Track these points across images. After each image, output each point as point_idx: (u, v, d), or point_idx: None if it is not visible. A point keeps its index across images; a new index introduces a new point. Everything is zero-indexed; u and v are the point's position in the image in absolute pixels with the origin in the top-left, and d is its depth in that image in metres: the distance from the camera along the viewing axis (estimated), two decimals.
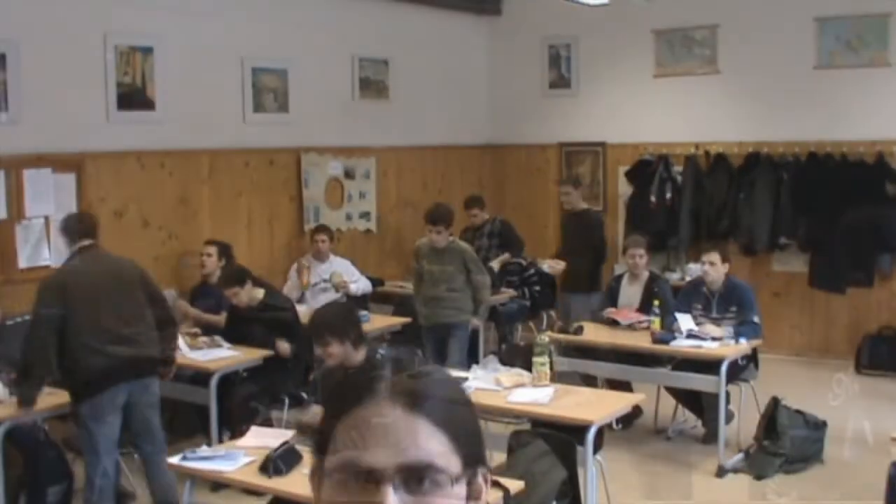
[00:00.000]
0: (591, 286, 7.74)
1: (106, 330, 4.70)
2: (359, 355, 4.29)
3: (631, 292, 6.86)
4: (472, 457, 1.10)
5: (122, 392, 4.77)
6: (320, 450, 1.10)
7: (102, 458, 4.70)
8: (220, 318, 6.44)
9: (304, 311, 7.15)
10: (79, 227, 4.96)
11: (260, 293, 6.15)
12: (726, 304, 6.40)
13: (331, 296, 7.51)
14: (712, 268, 6.37)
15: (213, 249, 6.80)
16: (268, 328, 6.07)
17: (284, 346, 6.00)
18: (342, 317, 4.42)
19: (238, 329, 6.14)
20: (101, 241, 6.53)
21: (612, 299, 6.94)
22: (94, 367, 4.66)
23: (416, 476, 1.04)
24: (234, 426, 5.49)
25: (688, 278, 7.92)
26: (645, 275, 6.85)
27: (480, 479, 1.12)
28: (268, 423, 4.51)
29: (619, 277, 7.05)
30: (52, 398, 5.10)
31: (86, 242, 4.89)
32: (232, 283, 6.01)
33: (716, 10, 8.93)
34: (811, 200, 8.34)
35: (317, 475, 1.11)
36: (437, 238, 6.55)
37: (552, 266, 7.52)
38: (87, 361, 4.65)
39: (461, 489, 1.08)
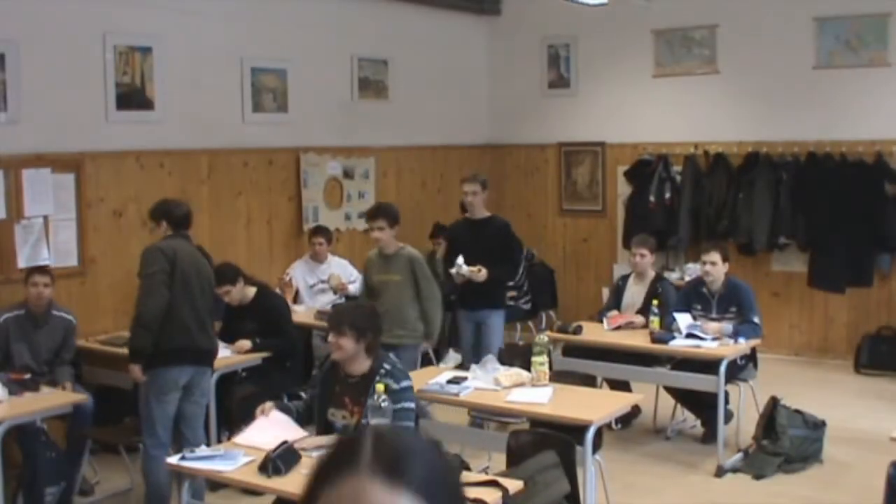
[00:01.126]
0: (492, 303, 6.63)
1: (195, 311, 4.99)
2: (365, 364, 4.16)
3: (635, 292, 6.86)
4: None
5: (188, 374, 5.01)
6: None
7: (159, 430, 4.91)
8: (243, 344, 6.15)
9: (302, 312, 7.17)
10: (185, 217, 5.28)
11: (251, 291, 6.15)
12: (726, 304, 6.40)
13: (330, 297, 7.52)
14: (713, 267, 6.37)
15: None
16: (259, 326, 6.06)
17: (244, 344, 5.97)
18: (368, 318, 4.27)
19: (232, 327, 6.14)
20: (101, 241, 6.57)
21: (617, 299, 6.93)
22: (178, 343, 4.91)
23: None
24: (232, 426, 5.48)
25: (687, 278, 7.93)
26: (651, 275, 6.85)
27: None
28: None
29: (626, 277, 7.04)
30: (52, 398, 5.11)
31: (184, 231, 5.23)
32: (224, 281, 5.98)
33: (715, 10, 8.93)
34: (810, 200, 8.34)
35: None
36: (379, 237, 6.00)
37: (473, 272, 6.27)
38: (175, 335, 4.90)
39: None
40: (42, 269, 5.70)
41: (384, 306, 5.62)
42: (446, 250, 7.04)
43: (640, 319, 6.57)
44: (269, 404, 4.25)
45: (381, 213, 6.03)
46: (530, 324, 8.91)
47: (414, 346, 6.09)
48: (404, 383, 4.07)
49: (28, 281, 5.56)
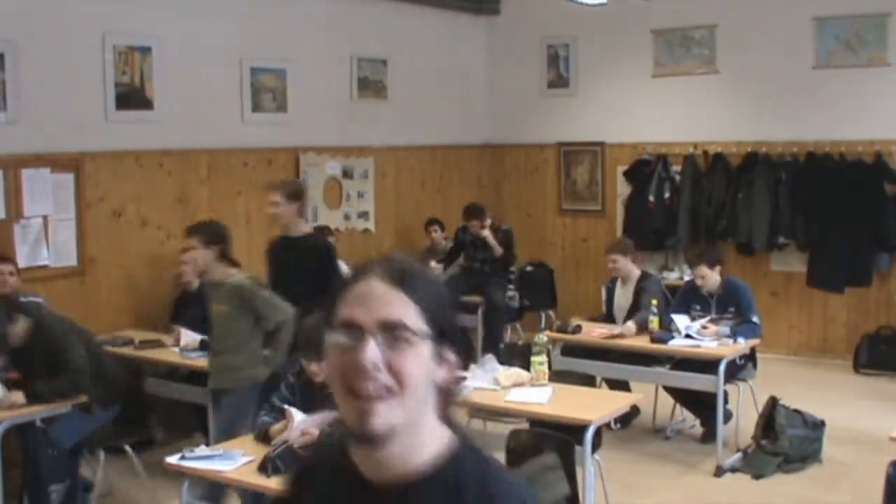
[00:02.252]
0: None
1: None
2: None
3: (623, 295, 6.86)
4: (442, 330, 1.34)
5: None
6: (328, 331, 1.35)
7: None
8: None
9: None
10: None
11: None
12: (725, 304, 6.40)
13: None
14: (704, 280, 6.39)
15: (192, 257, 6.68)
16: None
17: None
18: None
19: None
20: (100, 241, 6.57)
21: (609, 303, 6.91)
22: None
23: (391, 332, 1.29)
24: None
25: (686, 278, 7.92)
26: (635, 275, 6.82)
27: (449, 353, 1.35)
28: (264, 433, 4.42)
29: (615, 280, 7.02)
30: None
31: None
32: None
33: (714, 10, 8.93)
34: (810, 200, 8.34)
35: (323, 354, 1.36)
36: (192, 257, 5.10)
37: None
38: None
39: (429, 350, 1.32)
40: (5, 259, 5.69)
41: (213, 342, 5.07)
42: (271, 273, 5.89)
43: (629, 330, 6.39)
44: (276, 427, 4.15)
45: (196, 230, 5.03)
46: (518, 326, 8.92)
47: (249, 389, 4.95)
48: None
49: None
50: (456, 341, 1.37)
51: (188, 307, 6.56)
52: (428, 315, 1.33)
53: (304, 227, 5.74)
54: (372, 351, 1.28)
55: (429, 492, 1.33)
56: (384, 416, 1.28)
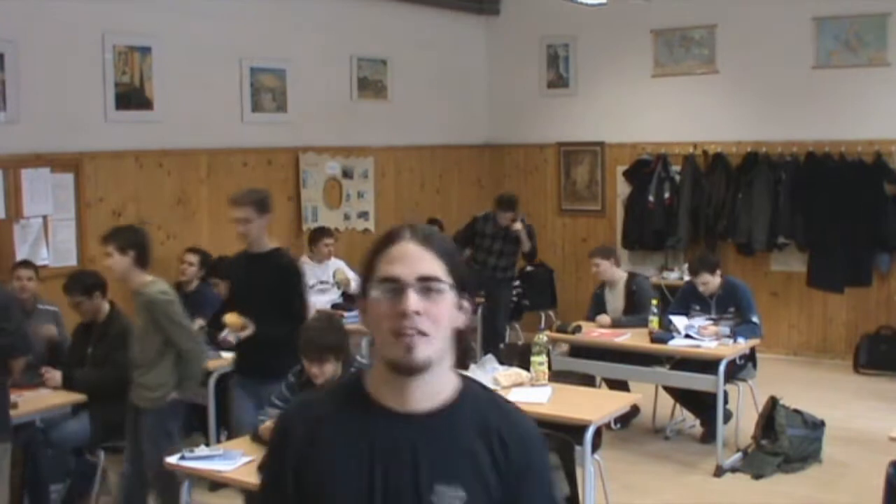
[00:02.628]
0: (270, 372, 4.67)
1: None
2: (339, 371, 4.15)
3: (614, 297, 6.86)
4: (461, 282, 1.65)
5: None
6: (364, 284, 1.65)
7: None
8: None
9: None
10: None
11: None
12: (725, 304, 6.41)
13: (332, 296, 7.53)
14: (707, 286, 6.39)
15: (194, 258, 6.70)
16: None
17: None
18: (339, 333, 4.23)
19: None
20: (100, 241, 6.56)
21: (599, 307, 6.89)
22: None
23: (426, 284, 1.60)
24: (231, 425, 5.48)
25: (686, 278, 7.91)
26: (620, 277, 6.83)
27: (466, 301, 1.66)
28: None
29: (603, 285, 7.01)
30: (50, 398, 5.11)
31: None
32: (217, 275, 6.01)
33: (714, 10, 8.93)
34: (809, 200, 8.34)
35: (363, 303, 1.65)
36: (109, 265, 4.69)
37: (234, 327, 4.86)
38: None
39: (453, 298, 1.63)
40: (27, 264, 5.75)
41: (134, 355, 4.76)
42: (228, 292, 5.56)
43: (604, 321, 6.60)
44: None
45: (110, 235, 4.72)
46: (517, 325, 8.92)
47: (164, 408, 4.67)
48: None
49: (13, 274, 5.65)
50: (470, 291, 1.67)
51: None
52: (450, 269, 1.63)
53: (270, 242, 5.06)
54: (413, 299, 1.58)
55: (457, 415, 1.64)
56: (424, 350, 1.58)
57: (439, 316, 1.60)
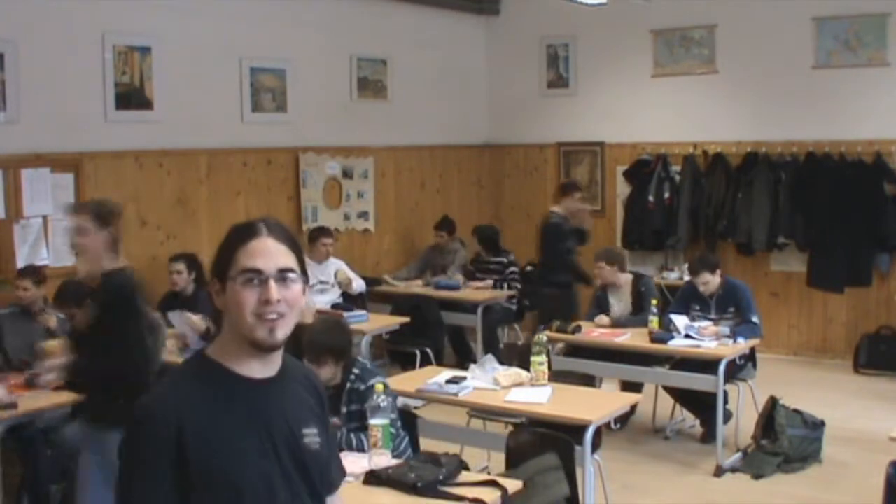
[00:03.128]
0: (97, 416, 3.94)
1: None
2: (338, 376, 4.19)
3: (619, 299, 6.85)
4: (304, 271, 1.95)
5: None
6: (222, 271, 1.88)
7: None
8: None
9: (303, 311, 7.15)
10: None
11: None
12: (725, 304, 6.41)
13: (332, 296, 7.53)
14: (707, 285, 6.39)
15: (181, 266, 6.63)
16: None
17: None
18: (340, 335, 4.25)
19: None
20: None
21: (601, 309, 6.89)
22: None
23: (283, 275, 1.88)
24: None
25: (686, 278, 7.91)
26: (625, 280, 6.85)
27: (306, 286, 1.96)
28: None
29: (605, 287, 7.00)
30: (50, 398, 5.11)
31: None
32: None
33: (714, 10, 8.93)
34: (809, 200, 8.34)
35: (217, 286, 1.90)
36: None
37: (51, 354, 4.41)
38: None
39: (301, 286, 1.92)
40: (26, 272, 5.75)
41: None
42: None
43: (602, 321, 6.63)
44: None
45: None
46: (517, 326, 8.92)
47: None
48: (371, 382, 4.08)
49: (17, 283, 5.72)
50: (306, 276, 1.96)
51: (177, 309, 6.56)
52: (298, 260, 1.93)
53: (113, 262, 4.01)
54: (274, 289, 1.86)
55: (290, 375, 1.98)
56: (283, 330, 1.88)
57: (294, 301, 1.89)
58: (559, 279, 7.59)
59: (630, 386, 6.54)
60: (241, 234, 1.90)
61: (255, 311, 1.85)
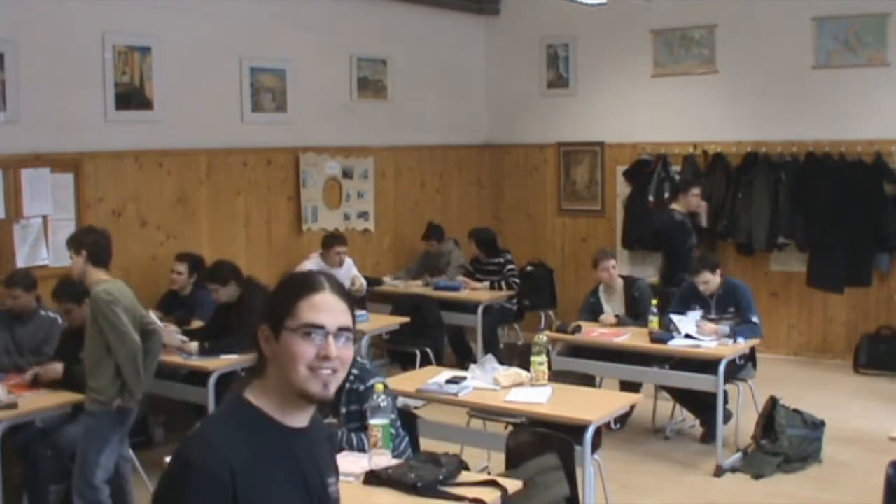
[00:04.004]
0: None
1: None
2: None
3: (613, 303, 6.86)
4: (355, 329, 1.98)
5: None
6: (278, 320, 1.88)
7: None
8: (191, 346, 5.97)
9: None
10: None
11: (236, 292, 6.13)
12: (725, 304, 6.41)
13: None
14: (707, 284, 6.40)
15: (183, 267, 6.67)
16: (243, 323, 6.05)
17: (191, 346, 5.87)
18: None
19: (223, 324, 6.15)
20: None
21: (594, 313, 6.89)
22: None
23: (342, 333, 1.90)
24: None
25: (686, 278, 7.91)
26: (619, 283, 6.88)
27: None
28: None
29: (595, 291, 7.01)
30: (50, 398, 5.11)
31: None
32: (215, 280, 6.09)
33: (714, 10, 8.93)
34: (809, 200, 8.34)
35: (268, 333, 1.89)
36: (71, 266, 4.84)
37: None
38: None
39: (353, 345, 1.95)
40: (14, 281, 5.69)
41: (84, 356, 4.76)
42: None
43: (608, 319, 6.66)
44: None
45: (68, 240, 4.88)
46: (516, 326, 8.92)
47: (101, 413, 4.65)
48: (370, 382, 4.09)
49: (7, 292, 5.66)
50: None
51: (175, 309, 6.63)
52: (353, 319, 1.96)
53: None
54: (334, 345, 1.88)
55: (317, 425, 2.01)
56: (335, 385, 1.90)
57: (347, 359, 1.92)
58: (684, 278, 7.37)
59: (629, 386, 6.54)
60: (304, 286, 1.91)
61: (310, 364, 1.86)
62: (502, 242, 9.19)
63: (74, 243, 4.74)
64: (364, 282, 7.73)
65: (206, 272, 6.44)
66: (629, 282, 6.92)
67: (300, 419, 1.92)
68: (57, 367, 5.19)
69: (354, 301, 2.04)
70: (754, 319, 6.30)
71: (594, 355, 6.39)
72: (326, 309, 1.88)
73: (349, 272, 7.65)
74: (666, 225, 7.84)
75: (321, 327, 1.87)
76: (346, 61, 8.61)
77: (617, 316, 6.69)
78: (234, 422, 1.88)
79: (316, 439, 1.99)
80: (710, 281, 6.39)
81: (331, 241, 7.67)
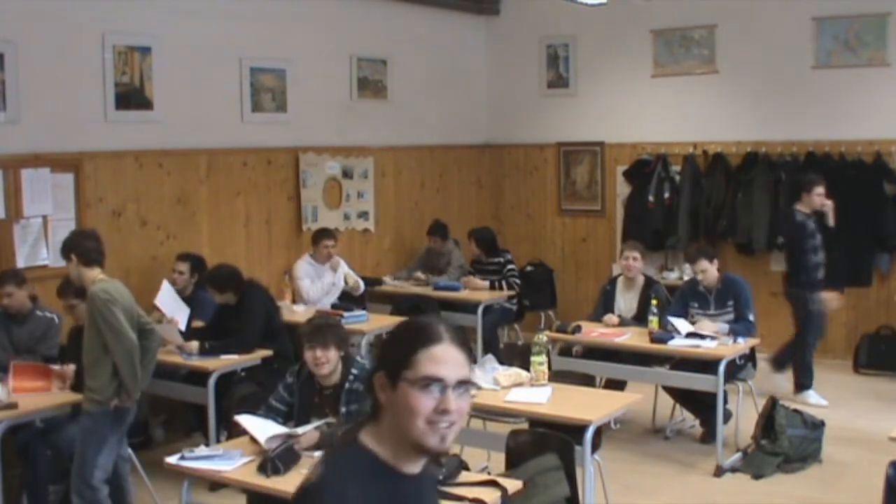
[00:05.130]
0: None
1: None
2: (337, 373, 4.30)
3: (628, 299, 6.85)
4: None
5: None
6: (396, 369, 1.82)
7: None
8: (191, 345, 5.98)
9: (302, 312, 7.16)
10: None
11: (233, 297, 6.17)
12: (724, 299, 6.43)
13: (332, 297, 7.54)
14: (705, 274, 6.40)
15: (185, 267, 6.66)
16: (244, 325, 6.06)
17: (192, 346, 5.89)
18: (344, 331, 4.42)
19: (225, 325, 6.15)
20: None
21: (607, 305, 6.89)
22: None
23: (462, 386, 1.84)
24: (231, 425, 5.48)
25: (686, 277, 7.93)
26: (640, 280, 6.85)
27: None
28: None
29: (614, 281, 7.02)
30: (49, 398, 5.11)
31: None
32: (213, 286, 6.17)
33: (714, 9, 8.93)
34: None
35: (384, 381, 1.85)
36: (68, 271, 4.92)
37: None
38: None
39: (470, 397, 1.88)
40: (4, 279, 5.66)
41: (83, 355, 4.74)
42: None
43: (611, 321, 6.65)
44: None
45: (66, 246, 4.85)
46: (516, 326, 8.92)
47: (99, 414, 4.64)
48: None
49: None
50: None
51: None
52: (471, 369, 1.90)
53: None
54: (453, 399, 1.82)
55: (427, 472, 1.95)
56: (452, 438, 1.85)
57: (464, 412, 1.86)
58: (808, 279, 7.30)
59: (614, 384, 6.45)
60: (424, 336, 1.86)
61: (428, 417, 1.81)
62: (502, 242, 9.19)
63: (64, 250, 4.78)
64: (358, 278, 7.72)
65: (206, 275, 6.44)
66: (650, 282, 6.89)
67: (414, 467, 1.89)
68: (71, 369, 5.21)
69: (472, 354, 1.98)
70: (750, 317, 6.32)
71: (595, 355, 6.39)
72: (447, 361, 1.83)
73: (337, 266, 7.63)
74: (786, 226, 7.59)
75: (441, 380, 1.81)
76: (346, 61, 8.61)
77: (620, 317, 6.68)
78: (352, 468, 1.85)
79: (426, 486, 1.97)
80: (707, 270, 6.38)
81: (319, 236, 7.67)
